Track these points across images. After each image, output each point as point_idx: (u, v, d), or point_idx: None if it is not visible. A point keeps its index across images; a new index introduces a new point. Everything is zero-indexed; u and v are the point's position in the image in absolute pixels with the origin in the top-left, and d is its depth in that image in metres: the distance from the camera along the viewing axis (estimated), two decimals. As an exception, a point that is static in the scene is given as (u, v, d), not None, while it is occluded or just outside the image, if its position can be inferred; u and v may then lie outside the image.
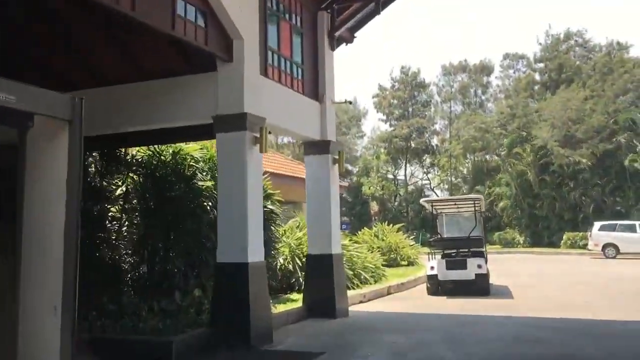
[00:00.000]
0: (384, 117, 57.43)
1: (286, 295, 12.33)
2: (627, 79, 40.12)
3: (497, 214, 41.71)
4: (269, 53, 9.21)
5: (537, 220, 39.29)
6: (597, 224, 30.08)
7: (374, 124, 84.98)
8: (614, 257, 28.32)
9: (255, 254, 8.12)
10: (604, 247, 29.04)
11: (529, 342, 8.29)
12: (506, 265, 22.45)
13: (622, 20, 71.79)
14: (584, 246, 32.27)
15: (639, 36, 72.84)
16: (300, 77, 10.26)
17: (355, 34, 12.02)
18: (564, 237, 35.83)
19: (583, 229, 35.54)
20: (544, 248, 36.03)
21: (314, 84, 10.75)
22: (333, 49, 11.27)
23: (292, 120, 9.78)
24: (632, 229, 29.11)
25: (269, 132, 9.82)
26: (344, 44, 12.01)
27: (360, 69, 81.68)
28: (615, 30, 76.46)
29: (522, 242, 38.89)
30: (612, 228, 29.49)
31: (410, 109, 55.93)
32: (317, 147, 10.71)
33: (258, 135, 8.21)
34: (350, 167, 57.53)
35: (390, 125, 56.04)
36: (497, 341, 8.32)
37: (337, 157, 10.89)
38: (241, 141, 8.07)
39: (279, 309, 10.39)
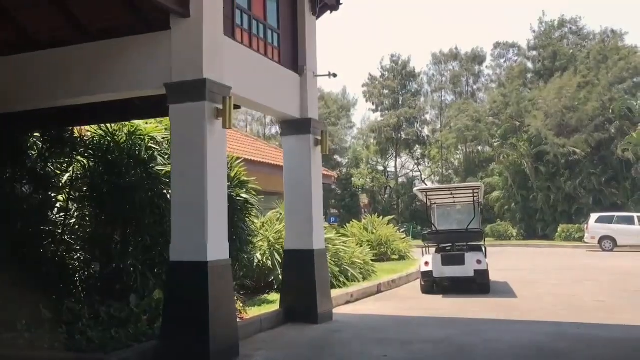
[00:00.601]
0: (374, 107, 56.18)
1: (263, 296, 10.95)
2: (623, 66, 39.07)
3: (490, 205, 40.51)
4: (237, 12, 7.75)
5: (531, 212, 38.22)
6: (594, 216, 29.03)
7: (364, 113, 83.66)
8: (611, 250, 27.35)
9: (217, 251, 6.68)
10: (601, 239, 28.05)
11: (552, 356, 6.92)
12: (502, 259, 21.21)
13: (616, 7, 70.67)
14: (580, 239, 31.35)
15: (633, 24, 71.79)
16: (276, 44, 8.82)
17: (341, 0, 10.55)
18: (559, 229, 34.81)
19: (577, 220, 34.59)
20: (538, 241, 34.99)
21: (293, 54, 9.31)
22: (315, 15, 9.82)
23: (265, 92, 8.33)
24: (630, 221, 28.07)
25: (238, 107, 8.44)
26: (328, 11, 10.54)
27: (348, 57, 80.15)
28: (609, 18, 75.41)
29: (515, 234, 37.78)
30: (610, 220, 28.47)
31: (400, 99, 54.64)
32: (296, 126, 9.28)
33: (221, 107, 6.76)
34: (339, 159, 56.28)
35: (381, 116, 54.77)
36: (512, 357, 6.93)
37: (319, 137, 9.46)
38: (199, 113, 6.62)
39: (252, 313, 8.99)
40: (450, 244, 13.27)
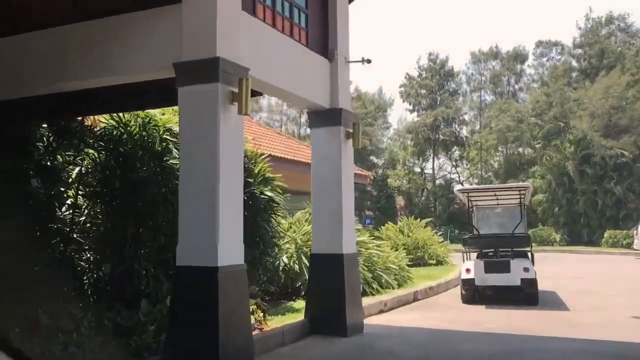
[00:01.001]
0: (411, 107, 54.99)
1: (289, 303, 10.07)
2: (675, 64, 37.05)
3: (531, 209, 38.88)
4: (259, -15, 6.92)
5: (575, 217, 36.48)
6: (644, 221, 27.38)
7: (401, 114, 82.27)
8: (662, 258, 25.65)
9: (230, 255, 5.85)
10: (652, 247, 26.35)
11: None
12: (546, 265, 19.82)
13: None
14: (628, 245, 29.65)
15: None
16: (303, 25, 7.95)
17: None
18: (605, 235, 33.08)
19: (625, 226, 32.85)
20: (583, 247, 33.29)
21: (322, 37, 8.43)
22: (348, -5, 8.94)
23: (290, 77, 7.46)
24: (683, 227, 26.34)
25: (260, 94, 7.61)
26: (363, -7, 9.63)
27: (384, 57, 78.85)
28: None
29: (558, 240, 36.10)
30: (661, 226, 26.75)
31: (438, 99, 53.31)
32: (325, 116, 8.39)
33: (236, 90, 5.92)
34: (375, 160, 55.25)
35: (418, 116, 53.56)
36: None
37: (351, 130, 8.55)
38: (211, 97, 5.80)
39: (274, 323, 8.12)
40: (493, 250, 12.21)
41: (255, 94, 7.16)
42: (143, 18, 6.29)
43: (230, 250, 5.86)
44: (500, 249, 12.10)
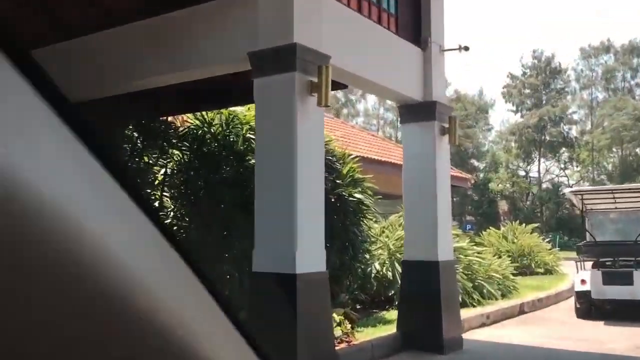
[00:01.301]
0: (514, 108, 52.44)
1: (381, 313, 9.42)
2: None
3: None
4: (342, -32, 6.36)
5: None
6: None
7: (503, 115, 78.99)
8: None
9: (309, 262, 5.30)
10: None
11: None
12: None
13: None
14: None
15: None
16: (392, 11, 7.31)
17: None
18: None
19: None
20: None
21: (414, 23, 7.74)
22: (442, -24, 8.20)
23: (377, 68, 6.83)
24: None
25: (345, 86, 7.04)
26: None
27: (485, 57, 76.04)
28: None
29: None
30: None
31: (543, 98, 50.45)
32: (417, 111, 7.68)
33: (316, 80, 5.38)
34: (476, 163, 53.19)
35: (521, 116, 50.97)
36: None
37: (446, 125, 7.78)
38: (288, 87, 5.30)
39: (363, 335, 7.50)
40: (611, 259, 10.87)
41: (338, 85, 6.62)
42: (217, 7, 5.91)
43: (310, 256, 5.31)
44: (621, 258, 10.75)
